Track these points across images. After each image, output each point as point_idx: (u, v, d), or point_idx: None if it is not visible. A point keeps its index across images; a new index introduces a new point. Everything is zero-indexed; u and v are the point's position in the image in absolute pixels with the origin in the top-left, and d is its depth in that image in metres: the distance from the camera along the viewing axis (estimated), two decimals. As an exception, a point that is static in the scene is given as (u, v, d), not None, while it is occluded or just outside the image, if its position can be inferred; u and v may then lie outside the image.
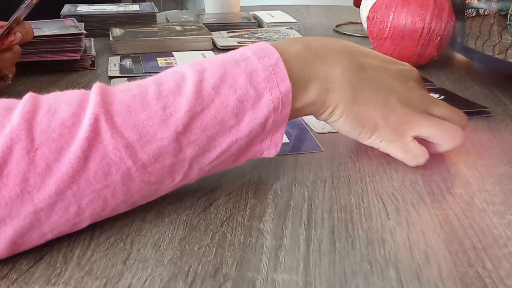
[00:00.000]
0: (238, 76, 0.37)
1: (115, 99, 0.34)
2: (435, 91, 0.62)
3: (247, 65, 0.38)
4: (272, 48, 0.39)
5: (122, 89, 0.35)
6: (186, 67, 0.38)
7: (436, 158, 0.45)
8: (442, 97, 0.60)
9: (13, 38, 0.58)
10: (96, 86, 0.35)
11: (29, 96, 0.34)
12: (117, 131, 0.33)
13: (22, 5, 0.56)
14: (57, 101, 0.34)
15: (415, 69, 0.46)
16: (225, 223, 0.36)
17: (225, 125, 0.36)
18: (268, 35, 0.90)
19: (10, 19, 0.57)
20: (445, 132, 0.43)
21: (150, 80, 0.37)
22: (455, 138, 0.43)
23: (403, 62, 0.47)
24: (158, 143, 0.34)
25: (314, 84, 0.40)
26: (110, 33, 0.84)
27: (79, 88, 0.36)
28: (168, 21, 1.01)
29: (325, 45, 0.42)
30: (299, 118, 0.54)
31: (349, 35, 0.96)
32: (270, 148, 0.39)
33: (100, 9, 0.97)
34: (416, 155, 0.43)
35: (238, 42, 0.85)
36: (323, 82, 0.40)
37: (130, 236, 0.35)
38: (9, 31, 0.58)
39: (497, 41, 0.66)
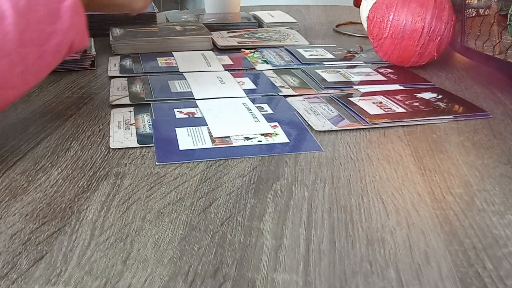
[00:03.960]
0: None
1: None
2: (434, 90, 0.62)
3: None
4: None
5: None
6: None
7: (436, 158, 0.45)
8: (440, 96, 0.60)
9: None
10: None
11: None
12: None
13: None
14: None
15: None
16: (225, 223, 0.36)
17: (46, 34, 0.45)
18: (268, 35, 0.90)
19: None
20: None
21: None
22: None
23: None
24: (7, 58, 0.42)
25: None
26: (110, 33, 0.84)
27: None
28: (168, 21, 1.01)
29: None
30: (299, 117, 0.54)
31: (349, 35, 0.96)
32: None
33: (100, 9, 0.97)
34: None
35: (238, 42, 0.85)
36: None
37: (130, 236, 0.35)
38: None
39: (497, 41, 0.66)
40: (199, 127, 0.51)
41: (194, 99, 0.59)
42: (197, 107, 0.57)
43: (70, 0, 0.47)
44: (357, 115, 0.54)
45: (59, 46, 0.46)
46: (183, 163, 0.44)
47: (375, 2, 0.72)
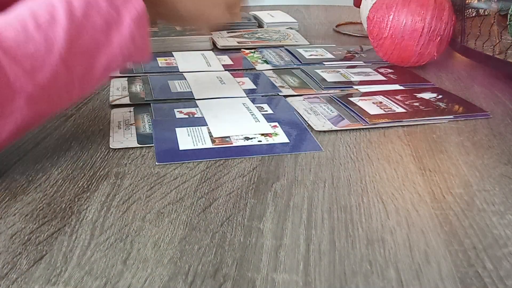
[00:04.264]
0: (100, 1, 0.43)
1: (2, 37, 0.39)
2: (434, 90, 0.62)
3: None
4: None
5: (6, 29, 0.39)
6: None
7: (436, 158, 0.45)
8: (440, 96, 0.60)
9: None
10: None
11: None
12: (14, 61, 0.38)
13: None
14: None
15: None
16: (225, 223, 0.36)
17: (99, 45, 0.43)
18: (268, 35, 0.90)
19: None
20: None
21: (25, 14, 0.40)
22: None
23: None
24: (49, 68, 0.39)
25: None
26: (110, 33, 0.84)
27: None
28: (168, 21, 1.01)
29: None
30: (299, 117, 0.54)
31: (349, 35, 0.96)
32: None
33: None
34: None
35: (238, 42, 0.85)
36: None
37: (130, 236, 0.35)
38: None
39: (497, 41, 0.66)
40: (199, 127, 0.51)
41: (194, 99, 0.59)
42: (197, 107, 0.57)
43: (134, 12, 0.44)
44: (357, 115, 0.54)
45: (112, 59, 0.44)
46: (183, 163, 0.44)
47: (375, 2, 0.72)
